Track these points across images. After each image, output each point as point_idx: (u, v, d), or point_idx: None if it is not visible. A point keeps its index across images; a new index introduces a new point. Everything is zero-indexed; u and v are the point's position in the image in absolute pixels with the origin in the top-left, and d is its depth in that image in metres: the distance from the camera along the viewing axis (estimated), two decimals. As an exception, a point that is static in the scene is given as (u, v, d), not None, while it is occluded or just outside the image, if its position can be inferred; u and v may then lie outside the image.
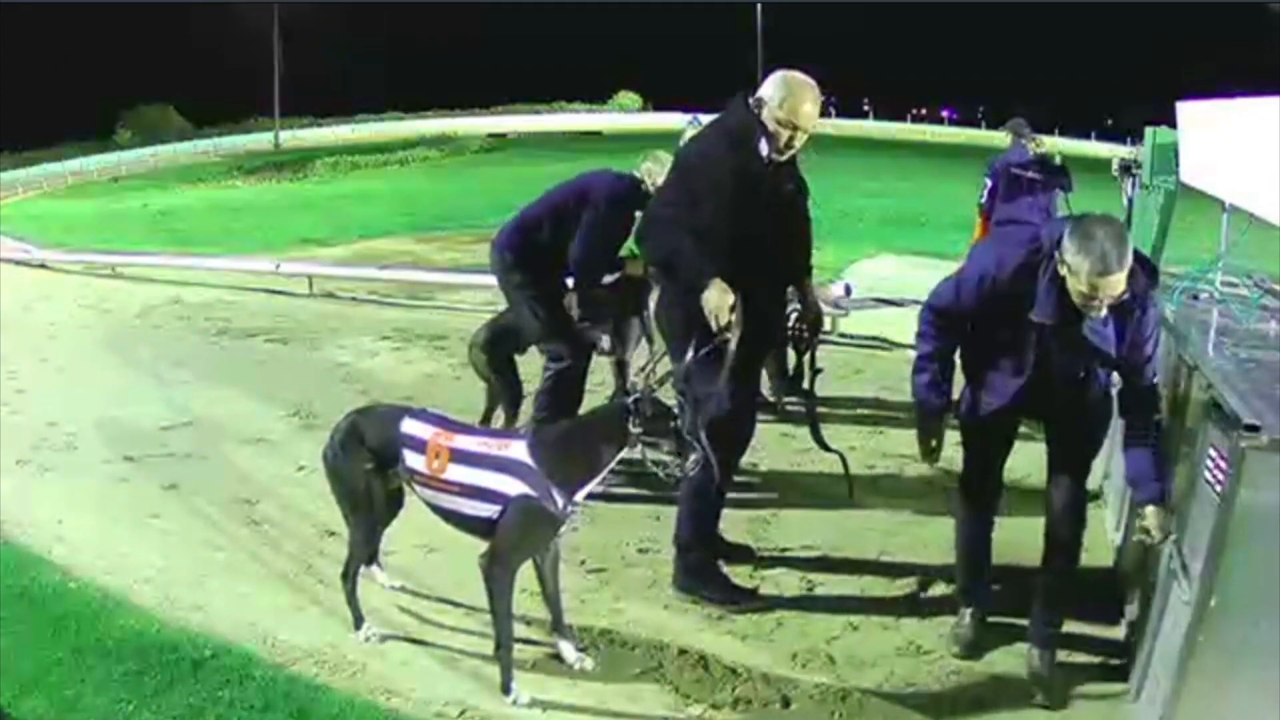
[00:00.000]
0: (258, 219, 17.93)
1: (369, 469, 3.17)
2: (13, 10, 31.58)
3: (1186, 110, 4.21)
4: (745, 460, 4.90)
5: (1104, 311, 2.74)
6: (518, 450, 2.98)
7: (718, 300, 3.17)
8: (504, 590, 3.00)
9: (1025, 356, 2.96)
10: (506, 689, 3.00)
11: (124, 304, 9.39)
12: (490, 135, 39.54)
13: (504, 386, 4.84)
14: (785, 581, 3.79)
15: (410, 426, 3.12)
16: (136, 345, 7.65)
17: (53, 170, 30.26)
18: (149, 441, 5.24)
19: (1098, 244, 2.64)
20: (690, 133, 4.41)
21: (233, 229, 16.36)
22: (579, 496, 3.01)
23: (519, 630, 3.20)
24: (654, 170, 4.42)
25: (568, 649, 3.22)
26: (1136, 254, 2.75)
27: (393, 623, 3.42)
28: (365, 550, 3.34)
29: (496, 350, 4.84)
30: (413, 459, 3.07)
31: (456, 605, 3.51)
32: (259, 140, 39.46)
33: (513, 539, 2.98)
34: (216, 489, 4.58)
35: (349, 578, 3.31)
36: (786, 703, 3.03)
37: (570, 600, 3.56)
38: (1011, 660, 3.23)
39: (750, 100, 3.41)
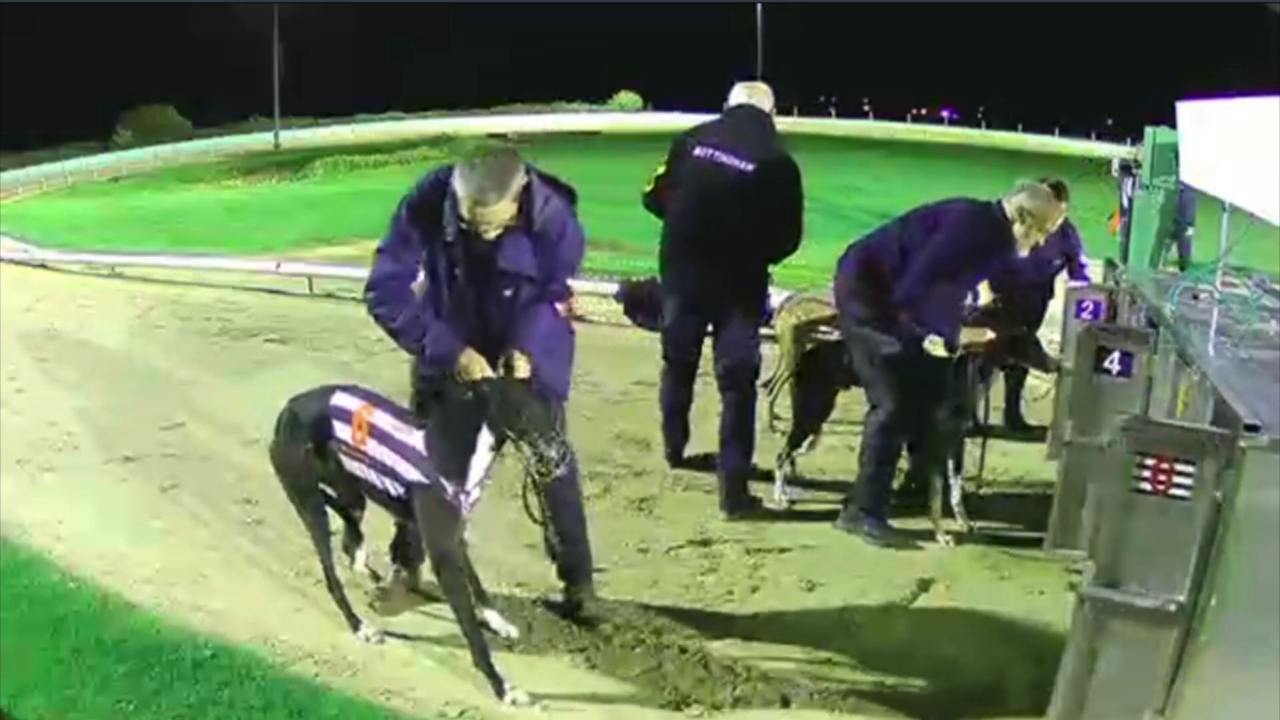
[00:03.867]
0: (258, 219, 17.94)
1: (308, 449, 3.21)
2: (13, 10, 31.56)
3: (1186, 110, 4.20)
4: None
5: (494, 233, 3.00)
6: (417, 438, 3.04)
7: None
8: (453, 587, 3.07)
9: (450, 270, 3.14)
10: (500, 693, 3.00)
11: (124, 304, 9.39)
12: (490, 135, 39.52)
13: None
14: (785, 581, 3.80)
15: (340, 399, 3.19)
16: (136, 345, 7.66)
17: (53, 170, 30.24)
18: (149, 441, 5.24)
19: (476, 175, 2.92)
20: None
21: (233, 229, 16.37)
22: (470, 485, 3.00)
23: (529, 630, 3.20)
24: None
25: (493, 617, 3.31)
26: (554, 180, 3.12)
27: (391, 622, 3.42)
28: (326, 548, 3.32)
29: None
30: (341, 430, 3.14)
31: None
32: (259, 140, 39.42)
33: (425, 531, 3.09)
34: (216, 489, 4.58)
35: (330, 585, 3.34)
36: (786, 703, 3.03)
37: (571, 600, 3.58)
38: (1011, 661, 3.23)
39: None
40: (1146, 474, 2.38)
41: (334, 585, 3.35)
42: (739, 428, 4.43)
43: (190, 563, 3.86)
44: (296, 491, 3.31)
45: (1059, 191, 4.72)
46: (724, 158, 4.26)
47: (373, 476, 3.11)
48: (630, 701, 3.04)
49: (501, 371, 3.02)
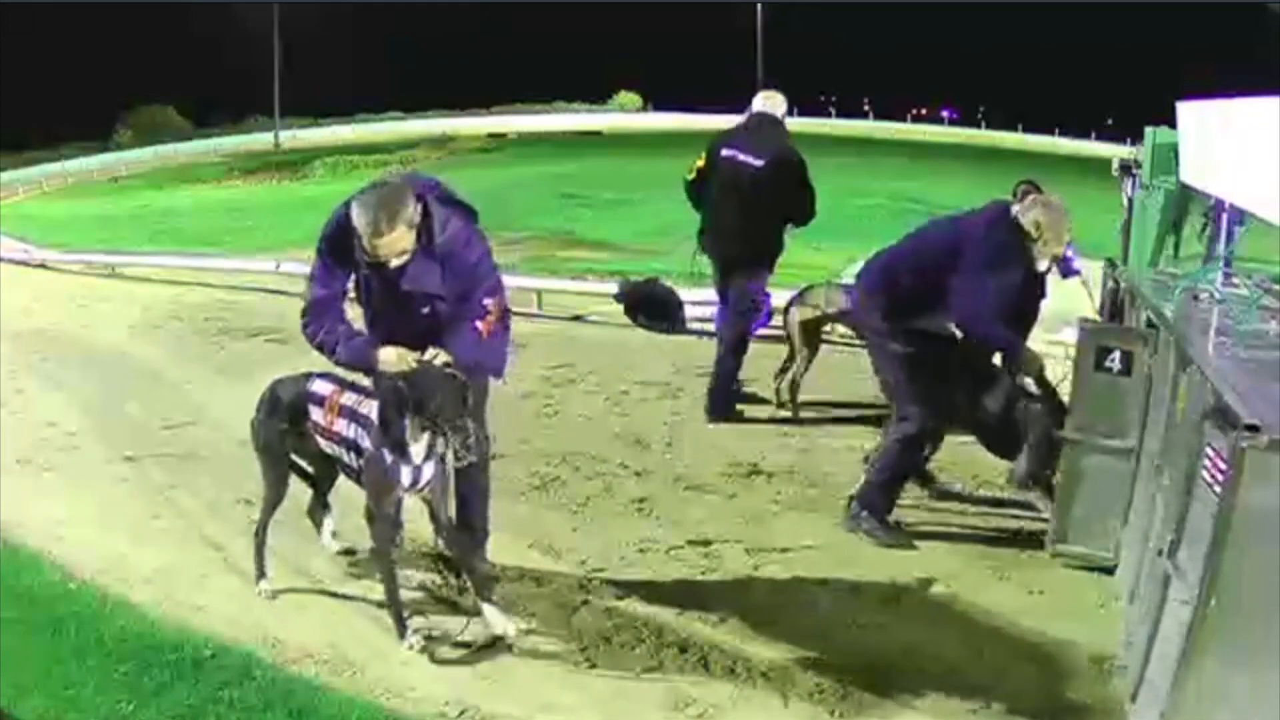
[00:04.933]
0: (258, 219, 17.96)
1: (283, 429, 3.49)
2: (13, 10, 31.57)
3: (1186, 110, 4.20)
4: (745, 460, 4.95)
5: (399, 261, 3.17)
6: (373, 409, 3.26)
7: None
8: (379, 538, 3.29)
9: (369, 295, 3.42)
10: (401, 635, 3.23)
11: (124, 304, 9.39)
12: (490, 135, 39.56)
13: None
14: (785, 581, 3.79)
15: (317, 385, 3.45)
16: (136, 345, 7.65)
17: (53, 170, 30.29)
18: (149, 441, 5.24)
19: (368, 209, 3.05)
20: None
21: (233, 229, 16.38)
22: (416, 460, 3.17)
23: (529, 630, 3.19)
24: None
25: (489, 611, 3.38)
26: (452, 200, 3.28)
27: (382, 621, 3.41)
28: (270, 510, 3.59)
29: None
30: (315, 413, 3.40)
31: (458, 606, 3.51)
32: (259, 140, 39.47)
33: (366, 489, 3.32)
34: (216, 489, 4.58)
35: (259, 533, 3.60)
36: (787, 703, 3.03)
37: (570, 599, 3.58)
38: (1011, 661, 3.23)
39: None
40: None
41: (260, 539, 3.61)
42: (737, 345, 5.59)
43: (190, 563, 3.86)
44: (267, 462, 3.58)
45: (1032, 191, 4.94)
46: (742, 157, 5.33)
47: (341, 452, 3.37)
48: (630, 701, 3.04)
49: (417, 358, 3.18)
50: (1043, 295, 4.12)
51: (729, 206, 5.37)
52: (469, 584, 3.42)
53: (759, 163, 5.25)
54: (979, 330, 3.96)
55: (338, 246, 3.31)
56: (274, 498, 3.60)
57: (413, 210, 3.12)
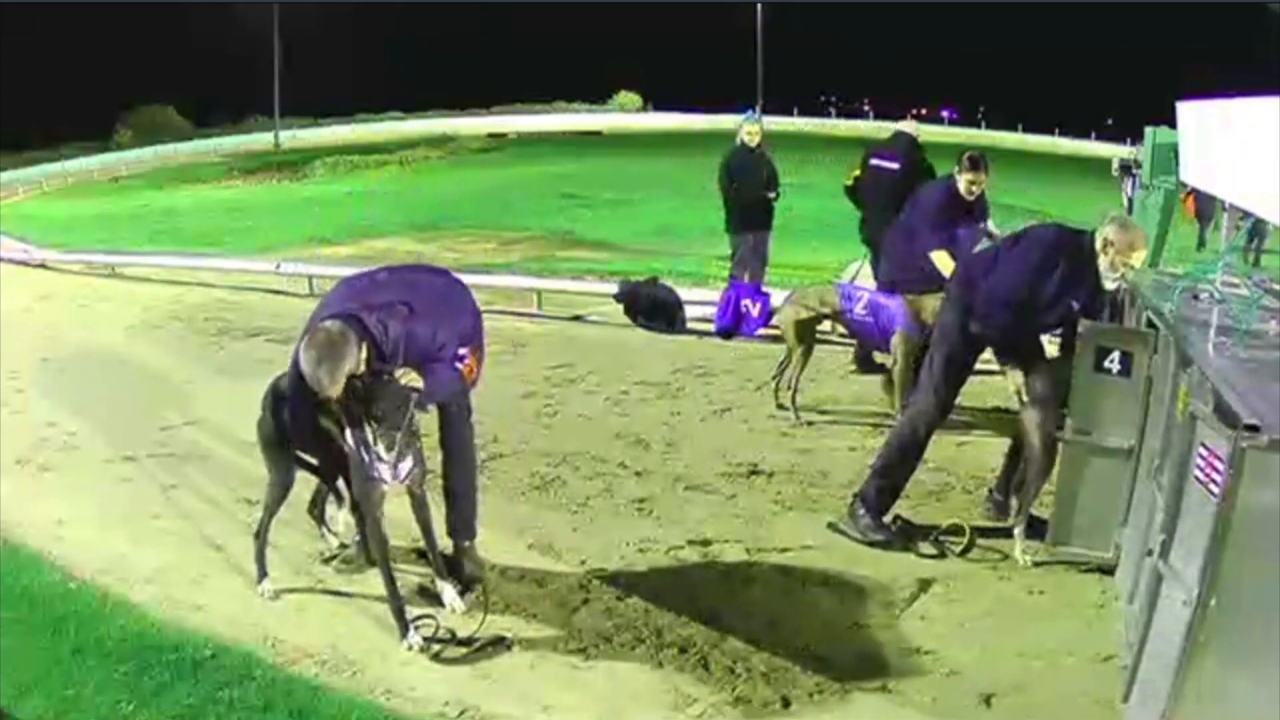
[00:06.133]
0: (258, 219, 17.96)
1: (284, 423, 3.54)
2: (13, 10, 31.56)
3: (1186, 110, 4.20)
4: (745, 459, 4.95)
5: None
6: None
7: None
8: (369, 531, 3.39)
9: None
10: (403, 635, 3.26)
11: (124, 304, 9.40)
12: (490, 135, 39.54)
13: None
14: (785, 581, 3.80)
15: None
16: (136, 345, 7.66)
17: (53, 170, 30.28)
18: (149, 441, 5.24)
19: (309, 364, 3.11)
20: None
21: (233, 229, 16.39)
22: (387, 458, 3.24)
23: (529, 630, 3.18)
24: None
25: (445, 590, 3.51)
26: (391, 305, 3.27)
27: (382, 621, 3.41)
28: (274, 508, 3.63)
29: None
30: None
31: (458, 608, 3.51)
32: (259, 140, 39.45)
33: (352, 482, 3.43)
34: (216, 489, 4.59)
35: (260, 534, 3.63)
36: (786, 703, 3.03)
37: (570, 599, 3.58)
38: (1011, 661, 3.23)
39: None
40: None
41: (262, 540, 3.64)
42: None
43: (190, 563, 3.86)
44: (271, 459, 3.64)
45: (976, 164, 5.61)
46: (884, 163, 6.95)
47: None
48: (630, 701, 3.04)
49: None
50: (1094, 313, 4.06)
51: (877, 201, 6.77)
52: (438, 563, 3.52)
53: (895, 166, 6.85)
54: (993, 309, 3.95)
55: (299, 391, 3.35)
56: (277, 496, 3.62)
57: (355, 356, 3.15)
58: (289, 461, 3.63)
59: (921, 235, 5.57)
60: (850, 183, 7.27)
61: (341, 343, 3.13)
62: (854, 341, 6.35)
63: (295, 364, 3.26)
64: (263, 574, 3.62)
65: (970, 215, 5.68)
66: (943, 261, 5.34)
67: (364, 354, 3.18)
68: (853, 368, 6.55)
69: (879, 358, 6.10)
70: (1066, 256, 3.92)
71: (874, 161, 7.06)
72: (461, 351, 3.39)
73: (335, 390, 3.15)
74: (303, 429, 3.50)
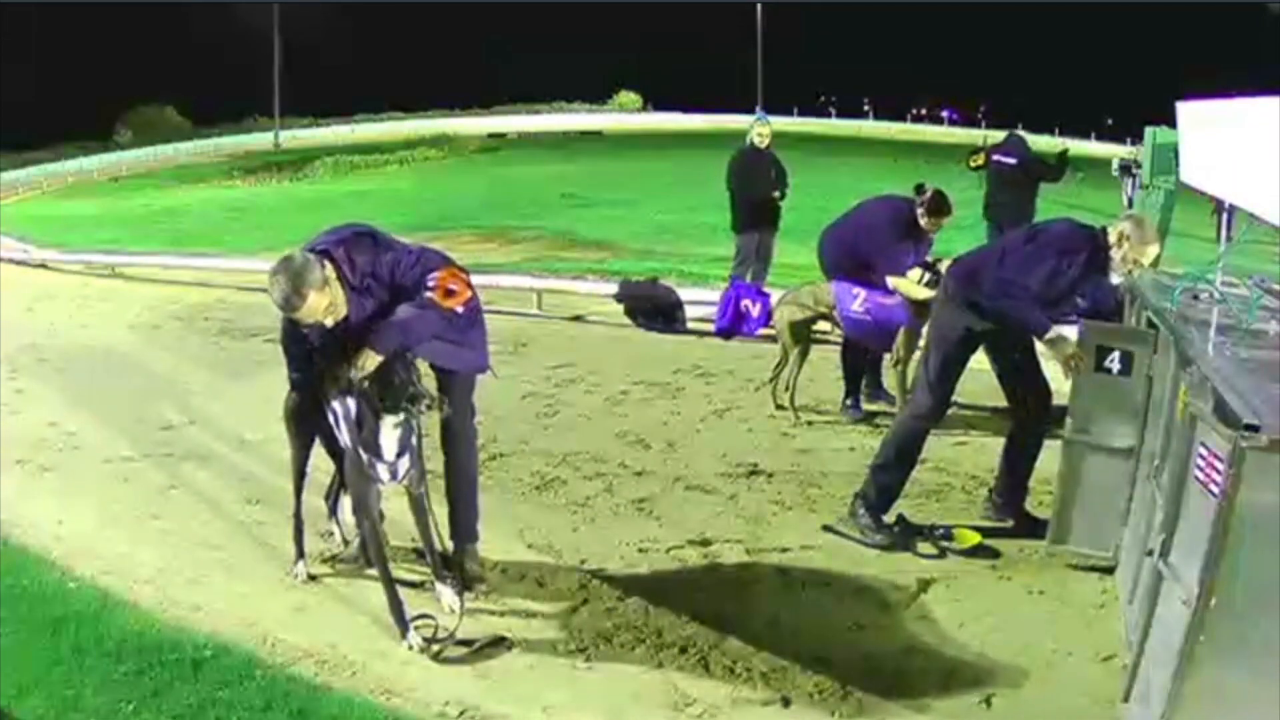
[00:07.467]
0: (258, 219, 17.94)
1: (306, 406, 3.56)
2: (13, 10, 31.54)
3: (1186, 110, 4.21)
4: (745, 460, 4.95)
5: None
6: (352, 407, 3.34)
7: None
8: (367, 533, 3.44)
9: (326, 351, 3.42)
10: (403, 634, 3.27)
11: (124, 304, 9.39)
12: (490, 135, 39.54)
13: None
14: (786, 581, 3.80)
15: None
16: (136, 345, 7.66)
17: (53, 170, 30.26)
18: (149, 441, 5.24)
19: (277, 290, 3.11)
20: None
21: (233, 229, 16.38)
22: (387, 457, 3.31)
23: (529, 630, 3.18)
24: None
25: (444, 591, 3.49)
26: (355, 238, 3.32)
27: (382, 621, 3.41)
28: (300, 480, 3.73)
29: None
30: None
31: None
32: (259, 140, 39.45)
33: (348, 483, 3.52)
34: (216, 489, 4.59)
35: (297, 514, 3.73)
36: (786, 703, 3.03)
37: (571, 599, 3.58)
38: (1011, 660, 3.23)
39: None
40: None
41: (298, 518, 3.74)
42: None
43: (190, 563, 3.86)
44: (293, 434, 3.71)
45: (944, 209, 5.49)
46: (1004, 159, 8.86)
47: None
48: (630, 701, 3.04)
49: (354, 371, 3.24)
50: (1109, 309, 4.09)
51: (999, 189, 8.80)
52: (436, 564, 3.51)
53: (1013, 161, 8.76)
54: (1002, 297, 3.93)
55: (290, 335, 3.44)
56: (298, 469, 3.72)
57: (319, 273, 3.16)
58: (306, 438, 3.68)
59: (881, 262, 5.49)
60: (972, 167, 9.29)
61: (303, 263, 3.16)
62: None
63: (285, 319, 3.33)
64: (300, 555, 3.72)
65: (922, 243, 5.61)
66: (907, 286, 5.39)
67: (329, 272, 3.19)
68: None
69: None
70: (1085, 251, 3.93)
71: (995, 157, 8.95)
72: (429, 280, 3.31)
73: (306, 311, 3.16)
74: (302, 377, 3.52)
